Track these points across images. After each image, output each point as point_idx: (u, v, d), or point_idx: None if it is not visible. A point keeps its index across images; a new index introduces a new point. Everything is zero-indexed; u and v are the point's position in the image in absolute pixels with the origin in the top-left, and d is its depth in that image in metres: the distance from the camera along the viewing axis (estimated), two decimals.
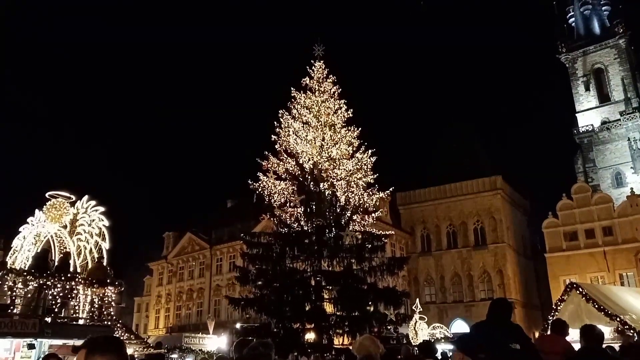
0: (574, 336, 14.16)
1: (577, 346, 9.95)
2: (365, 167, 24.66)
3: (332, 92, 25.76)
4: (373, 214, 24.52)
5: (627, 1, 57.13)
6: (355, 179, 24.24)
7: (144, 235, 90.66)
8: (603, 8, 59.45)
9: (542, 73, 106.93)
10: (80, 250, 16.10)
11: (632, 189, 43.21)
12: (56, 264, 14.82)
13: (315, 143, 24.67)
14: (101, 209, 16.66)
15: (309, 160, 24.30)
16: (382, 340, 13.26)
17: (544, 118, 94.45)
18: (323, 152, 24.55)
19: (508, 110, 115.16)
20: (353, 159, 24.69)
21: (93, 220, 16.42)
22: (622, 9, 57.27)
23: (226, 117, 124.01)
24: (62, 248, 15.97)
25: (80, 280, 14.37)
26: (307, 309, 21.48)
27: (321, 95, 25.58)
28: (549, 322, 7.32)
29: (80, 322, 14.70)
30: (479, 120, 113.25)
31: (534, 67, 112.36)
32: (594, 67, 57.00)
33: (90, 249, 16.14)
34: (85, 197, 16.80)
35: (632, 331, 16.47)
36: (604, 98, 55.98)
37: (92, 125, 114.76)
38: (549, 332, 6.89)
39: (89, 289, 14.70)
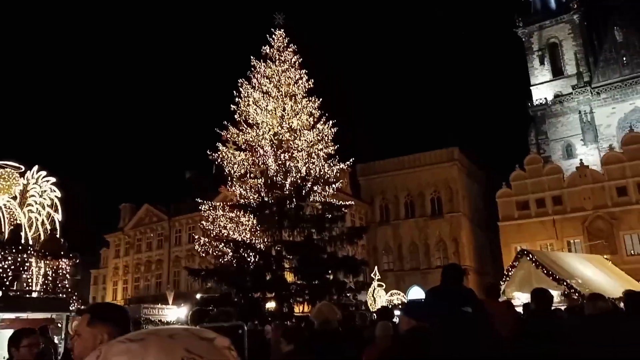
0: (523, 299, 14.83)
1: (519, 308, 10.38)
2: (326, 138, 24.70)
3: (292, 62, 25.47)
4: (333, 185, 24.69)
5: None
6: (316, 150, 24.27)
7: (100, 206, 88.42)
8: None
9: (499, 47, 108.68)
10: (32, 222, 15.56)
11: (581, 160, 44.96)
12: (6, 236, 14.30)
13: (275, 113, 24.45)
14: (52, 179, 16.07)
15: (269, 130, 24.11)
16: (340, 307, 13.54)
17: (501, 91, 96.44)
18: (284, 123, 24.40)
19: (466, 82, 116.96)
20: (314, 129, 24.65)
21: (44, 191, 15.84)
22: None
23: (185, 85, 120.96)
24: (12, 220, 15.39)
25: (32, 252, 13.94)
26: (267, 278, 21.66)
27: (281, 64, 25.26)
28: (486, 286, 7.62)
29: (34, 295, 14.32)
30: (437, 93, 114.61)
31: (490, 41, 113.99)
32: (549, 41, 58.27)
33: (43, 221, 15.61)
34: (36, 167, 16.14)
35: (577, 294, 17.38)
36: (557, 72, 57.48)
37: (43, 91, 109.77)
38: (484, 297, 7.17)
39: (42, 262, 14.29)
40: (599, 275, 22.12)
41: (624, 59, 52.67)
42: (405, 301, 29.23)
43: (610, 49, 53.93)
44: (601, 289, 17.30)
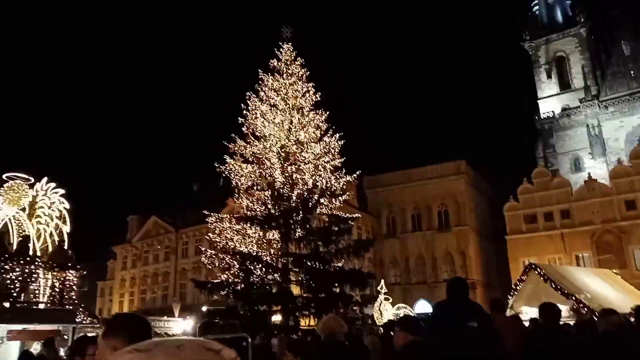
0: (532, 314, 14.68)
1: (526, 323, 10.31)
2: (333, 150, 24.73)
3: (300, 75, 25.62)
4: (340, 197, 24.67)
5: None
6: (323, 163, 24.29)
7: (108, 218, 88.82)
8: None
9: (506, 60, 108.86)
10: (40, 233, 15.67)
11: (589, 173, 44.69)
12: (14, 247, 14.40)
13: (283, 126, 24.55)
14: (61, 191, 16.23)
15: (277, 143, 24.19)
16: (347, 321, 13.47)
17: (508, 104, 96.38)
18: (291, 136, 24.47)
19: (474, 96, 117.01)
20: (321, 142, 24.70)
21: (53, 202, 15.99)
22: None
23: (194, 99, 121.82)
24: (20, 231, 15.51)
25: (40, 264, 14.02)
26: (273, 291, 21.59)
27: (289, 77, 25.41)
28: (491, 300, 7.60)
29: (41, 306, 14.38)
30: (444, 106, 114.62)
31: (498, 55, 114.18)
32: (556, 55, 58.29)
33: (51, 232, 15.74)
34: (45, 179, 16.32)
35: (586, 309, 17.19)
36: (564, 85, 57.40)
37: (52, 104, 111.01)
38: (489, 312, 7.16)
39: (50, 273, 14.37)
40: (608, 290, 21.87)
41: (632, 72, 52.53)
42: (414, 315, 29.03)
43: (617, 63, 53.85)
44: (610, 303, 17.09)
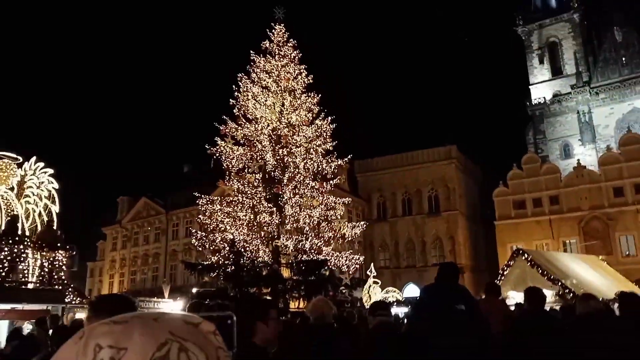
0: (518, 299, 14.90)
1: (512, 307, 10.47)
2: (325, 134, 24.68)
3: (292, 57, 25.43)
4: (331, 181, 24.70)
5: None
6: (315, 146, 24.26)
7: (98, 199, 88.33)
8: None
9: (500, 45, 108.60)
10: (29, 213, 15.58)
11: (578, 160, 45.04)
12: (3, 227, 14.31)
13: (274, 108, 24.44)
14: (50, 170, 16.10)
15: (268, 125, 24.10)
16: (336, 303, 13.58)
17: (500, 89, 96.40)
18: (282, 118, 24.38)
19: (465, 80, 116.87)
20: (312, 125, 24.63)
21: (42, 182, 15.87)
22: None
23: (185, 79, 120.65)
24: (9, 211, 15.40)
25: (29, 243, 13.97)
26: (264, 273, 21.69)
27: (281, 59, 25.22)
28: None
29: (30, 286, 14.36)
30: (436, 90, 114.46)
31: (491, 39, 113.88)
32: (549, 40, 58.25)
33: (40, 212, 15.65)
34: (34, 159, 16.16)
35: (571, 294, 17.48)
36: (556, 71, 57.50)
37: (43, 83, 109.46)
38: (483, 296, 7.28)
39: (39, 253, 14.32)
40: (593, 276, 22.22)
41: (624, 59, 52.69)
42: (402, 299, 29.33)
43: (609, 49, 53.94)
44: (596, 289, 17.39)
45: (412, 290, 43.23)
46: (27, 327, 12.72)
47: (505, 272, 20.85)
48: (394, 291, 30.01)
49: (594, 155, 49.03)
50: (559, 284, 18.59)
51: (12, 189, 15.40)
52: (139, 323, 0.71)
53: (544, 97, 56.01)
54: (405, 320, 12.67)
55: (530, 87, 58.12)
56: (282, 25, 26.05)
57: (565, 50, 57.08)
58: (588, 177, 41.88)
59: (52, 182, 15.97)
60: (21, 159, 15.98)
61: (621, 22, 53.34)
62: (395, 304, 24.82)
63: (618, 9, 54.13)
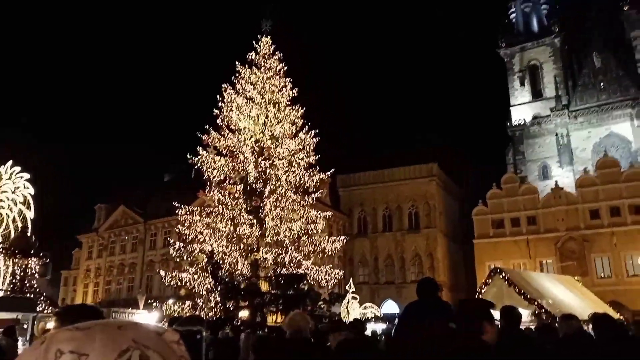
0: (495, 316, 14.97)
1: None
2: (308, 147, 24.72)
3: (277, 70, 25.51)
4: (313, 195, 24.67)
5: (564, 2, 59.38)
6: (297, 159, 24.26)
7: (74, 206, 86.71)
8: (542, 6, 61.89)
9: (481, 65, 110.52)
10: (3, 218, 15.22)
11: (556, 182, 45.79)
12: None
13: (258, 120, 24.43)
14: (27, 175, 15.78)
15: (251, 137, 24.05)
16: (314, 318, 13.48)
17: (482, 110, 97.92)
18: (266, 130, 24.37)
19: (448, 100, 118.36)
20: (296, 138, 24.66)
21: (17, 187, 15.54)
22: (559, 8, 59.95)
23: (168, 87, 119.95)
24: None
25: (1, 250, 13.61)
26: (241, 287, 21.48)
27: (267, 71, 25.29)
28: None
29: (0, 293, 13.97)
30: (419, 107, 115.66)
31: (473, 59, 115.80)
32: (530, 63, 59.46)
33: (14, 218, 15.29)
34: (10, 162, 15.85)
35: (546, 314, 17.62)
36: (537, 94, 58.61)
37: (21, 85, 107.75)
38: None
39: (10, 260, 13.96)
40: (569, 297, 22.45)
41: (602, 84, 53.95)
42: (380, 315, 29.24)
43: (589, 74, 55.22)
44: (571, 309, 17.53)
45: (391, 307, 43.21)
46: None
47: (482, 291, 20.96)
48: (372, 307, 29.93)
49: (571, 177, 49.88)
50: (536, 303, 18.73)
51: None
52: (102, 330, 0.71)
53: (524, 119, 57.00)
54: (383, 337, 12.63)
55: (511, 108, 59.13)
56: (269, 37, 26.16)
57: (545, 74, 58.28)
58: (565, 198, 42.58)
59: (28, 187, 15.66)
60: None
61: (600, 48, 54.72)
62: (373, 320, 24.74)
63: (597, 34, 55.57)
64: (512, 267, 36.45)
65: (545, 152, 54.92)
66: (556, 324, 8.18)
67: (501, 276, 20.58)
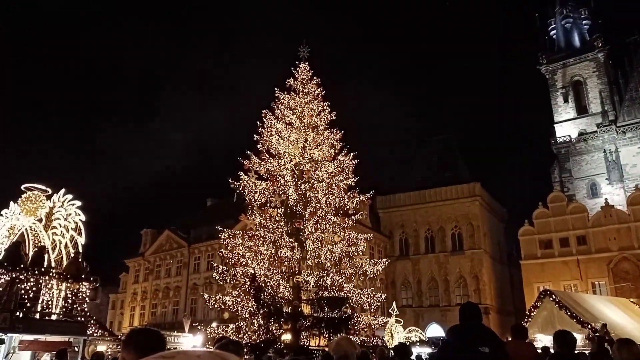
0: (546, 342, 14.41)
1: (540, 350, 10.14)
2: (347, 169, 24.75)
3: (315, 94, 25.83)
4: (353, 217, 24.60)
5: (606, 17, 58.15)
6: (337, 181, 24.30)
7: (122, 232, 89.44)
8: (583, 22, 60.69)
9: (523, 84, 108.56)
10: (56, 244, 15.82)
11: (606, 199, 44.11)
12: (30, 257, 14.54)
13: (297, 144, 24.69)
14: (78, 203, 16.40)
15: (291, 161, 24.31)
16: (358, 342, 13.33)
17: (524, 128, 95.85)
18: (305, 154, 24.58)
19: (489, 119, 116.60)
20: (335, 161, 24.76)
21: (69, 214, 16.15)
22: (601, 23, 58.64)
23: (212, 115, 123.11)
24: (36, 242, 15.67)
25: (54, 274, 14.13)
26: (284, 310, 21.48)
27: (305, 96, 25.63)
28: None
29: (53, 317, 14.46)
30: (460, 128, 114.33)
31: (515, 78, 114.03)
32: (573, 79, 58.09)
33: (66, 244, 15.87)
34: (62, 191, 16.52)
35: (608, 340, 16.81)
36: (581, 110, 57.07)
37: (75, 120, 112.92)
38: (509, 338, 7.08)
39: (63, 284, 14.46)
40: (624, 319, 21.43)
41: None
42: (425, 339, 28.60)
43: (636, 88, 53.47)
44: (627, 333, 16.72)
45: (435, 330, 42.18)
46: (44, 359, 12.74)
47: (532, 314, 20.28)
48: (417, 330, 29.32)
49: (622, 195, 47.99)
50: (589, 327, 17.94)
51: (40, 220, 15.72)
52: (184, 358, 0.81)
53: (569, 136, 55.50)
54: None
55: (555, 125, 57.70)
56: (307, 63, 26.59)
57: (590, 89, 56.77)
58: (616, 217, 40.91)
59: (80, 214, 16.26)
60: (50, 191, 16.35)
61: None
62: (418, 344, 24.23)
63: None
64: (562, 288, 35.15)
65: (593, 169, 53.14)
66: (611, 349, 7.82)
67: (551, 298, 19.87)
